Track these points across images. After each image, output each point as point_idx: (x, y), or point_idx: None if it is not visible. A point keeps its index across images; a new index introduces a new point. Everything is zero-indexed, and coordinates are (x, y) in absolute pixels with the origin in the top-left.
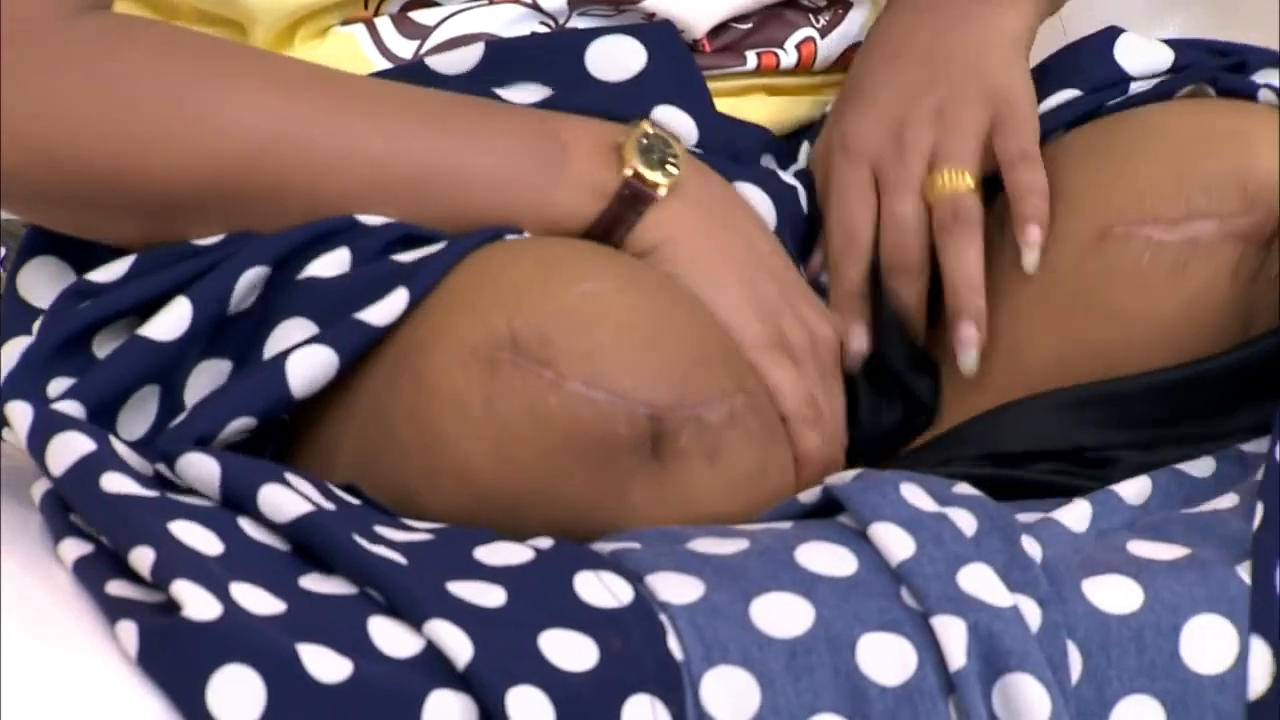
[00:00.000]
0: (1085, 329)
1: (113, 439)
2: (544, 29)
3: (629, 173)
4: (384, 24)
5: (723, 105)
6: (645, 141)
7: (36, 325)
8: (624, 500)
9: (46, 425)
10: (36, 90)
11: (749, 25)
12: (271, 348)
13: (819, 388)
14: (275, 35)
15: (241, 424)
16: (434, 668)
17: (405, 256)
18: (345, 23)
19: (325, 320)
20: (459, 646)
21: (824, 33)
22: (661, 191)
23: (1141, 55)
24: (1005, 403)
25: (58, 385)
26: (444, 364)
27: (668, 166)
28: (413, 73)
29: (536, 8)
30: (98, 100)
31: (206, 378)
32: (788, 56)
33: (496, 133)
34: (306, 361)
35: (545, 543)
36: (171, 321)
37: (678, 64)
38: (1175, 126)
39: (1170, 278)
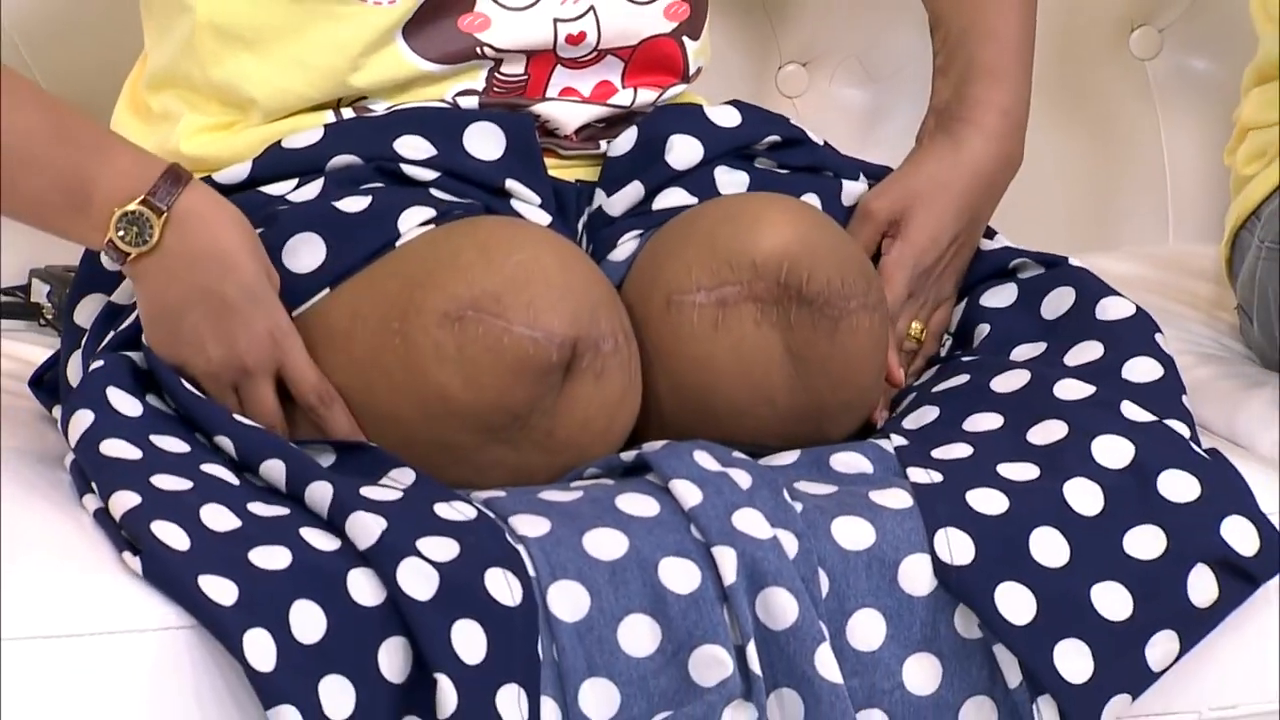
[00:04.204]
0: (675, 375)
1: (114, 404)
2: None
3: (108, 241)
4: (346, 111)
5: (580, 173)
6: (127, 219)
7: (84, 340)
8: (545, 408)
9: (69, 405)
10: None
11: (603, 124)
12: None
13: (226, 398)
14: (267, 118)
15: None
16: (350, 555)
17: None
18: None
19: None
20: (365, 534)
21: None
22: (131, 255)
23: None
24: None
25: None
26: (423, 325)
27: (141, 242)
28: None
29: (456, 107)
30: None
31: None
32: None
33: (50, 168)
34: None
35: (408, 478)
36: (130, 288)
37: (526, 146)
38: (711, 216)
39: (712, 331)
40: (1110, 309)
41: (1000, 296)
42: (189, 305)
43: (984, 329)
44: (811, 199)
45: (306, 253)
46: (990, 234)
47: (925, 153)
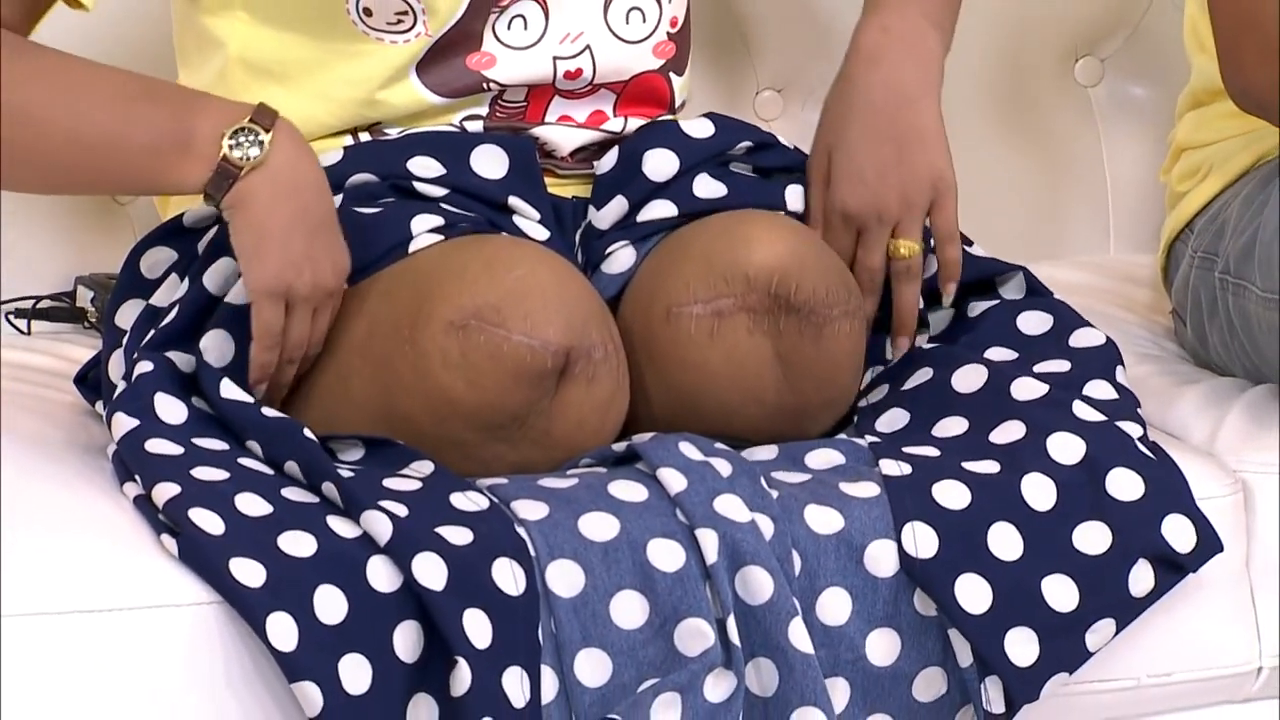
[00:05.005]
0: (671, 378)
1: (159, 411)
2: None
3: (221, 157)
4: (364, 134)
5: (576, 190)
6: (237, 133)
7: (125, 340)
8: (541, 409)
9: (114, 408)
10: None
11: (596, 148)
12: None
13: (304, 324)
14: None
15: None
16: (370, 543)
17: None
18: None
19: None
20: (382, 530)
21: None
22: (242, 171)
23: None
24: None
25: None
26: (432, 333)
27: (254, 151)
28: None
29: (464, 130)
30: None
31: (211, 339)
32: None
33: (148, 118)
34: None
35: (427, 468)
36: (167, 293)
37: (527, 167)
38: (706, 234)
39: (708, 339)
40: (1082, 338)
41: (983, 309)
42: (293, 224)
43: (965, 337)
44: (795, 189)
45: None
46: (968, 243)
47: (824, 107)
